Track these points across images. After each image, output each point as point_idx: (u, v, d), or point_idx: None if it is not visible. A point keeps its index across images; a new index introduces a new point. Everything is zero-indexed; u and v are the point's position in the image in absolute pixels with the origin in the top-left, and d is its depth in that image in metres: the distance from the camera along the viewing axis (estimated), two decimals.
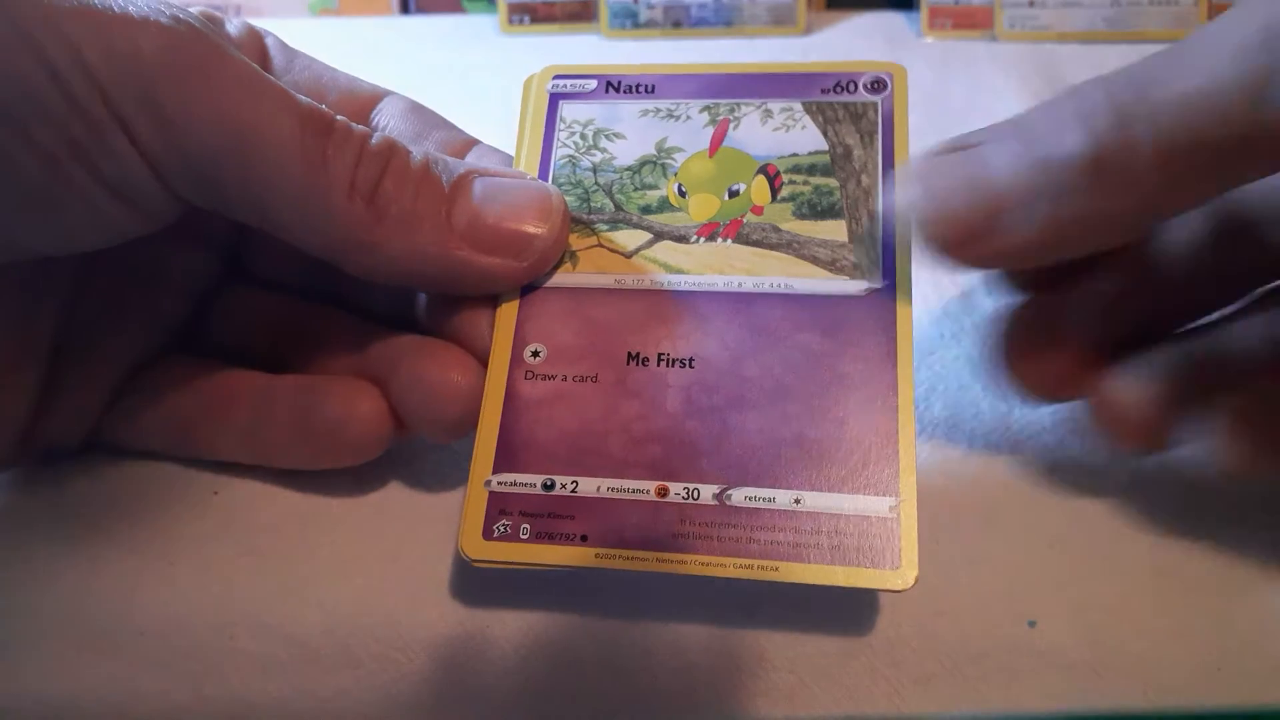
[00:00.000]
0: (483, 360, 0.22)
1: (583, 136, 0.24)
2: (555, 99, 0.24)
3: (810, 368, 0.20)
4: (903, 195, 0.20)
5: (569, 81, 0.25)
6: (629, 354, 0.21)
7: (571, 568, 0.20)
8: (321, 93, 0.24)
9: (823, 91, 0.23)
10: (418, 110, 0.24)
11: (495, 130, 0.25)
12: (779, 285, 0.21)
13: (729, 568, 0.19)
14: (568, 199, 0.23)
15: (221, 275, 0.25)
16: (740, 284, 0.22)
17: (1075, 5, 0.46)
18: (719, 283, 0.22)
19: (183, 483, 0.23)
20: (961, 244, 0.19)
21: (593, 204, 0.23)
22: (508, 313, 0.22)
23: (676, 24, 0.48)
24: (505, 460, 0.21)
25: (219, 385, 0.23)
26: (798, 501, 0.19)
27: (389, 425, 0.22)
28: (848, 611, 0.21)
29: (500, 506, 0.20)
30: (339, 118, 0.20)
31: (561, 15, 0.49)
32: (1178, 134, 0.16)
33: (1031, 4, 0.46)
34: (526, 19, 0.49)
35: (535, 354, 0.21)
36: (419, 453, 0.24)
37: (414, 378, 0.21)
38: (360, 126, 0.20)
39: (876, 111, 0.23)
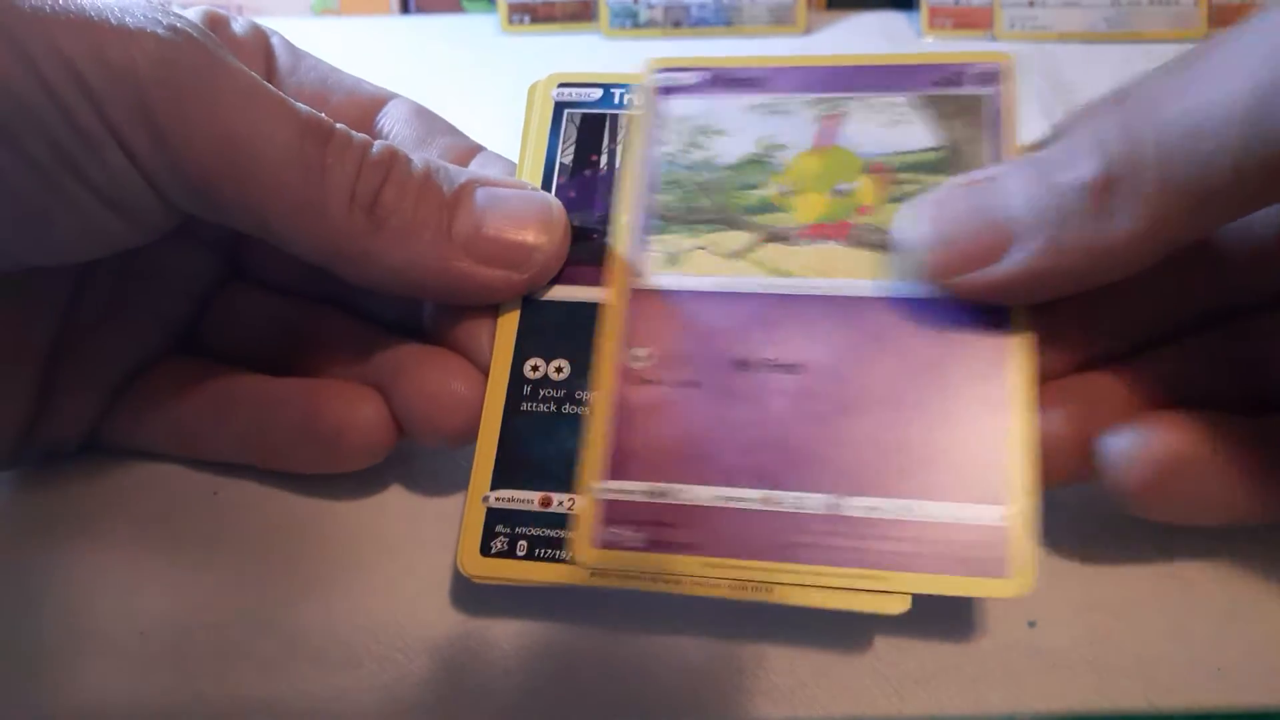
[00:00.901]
0: (485, 370, 0.22)
1: (679, 134, 0.23)
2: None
3: (920, 373, 0.20)
4: (907, 226, 0.20)
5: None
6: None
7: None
8: (327, 95, 0.24)
9: (932, 84, 0.22)
10: (423, 115, 0.24)
11: (495, 130, 0.25)
12: (887, 289, 0.21)
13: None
14: (668, 198, 0.22)
15: (222, 276, 0.25)
16: (847, 288, 0.21)
17: (1075, 5, 0.46)
18: (824, 286, 0.21)
19: (183, 483, 0.23)
20: (965, 272, 0.19)
21: (693, 203, 0.22)
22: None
23: (676, 24, 0.48)
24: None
25: (219, 387, 0.23)
26: (909, 510, 0.19)
27: (390, 432, 0.22)
28: (848, 612, 0.21)
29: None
30: (339, 126, 0.20)
31: (562, 15, 0.49)
32: (1179, 156, 0.16)
33: (1031, 4, 0.46)
34: (527, 19, 0.49)
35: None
36: (419, 453, 0.24)
37: (416, 386, 0.21)
38: (360, 135, 0.20)
39: (989, 105, 0.22)
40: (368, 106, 0.24)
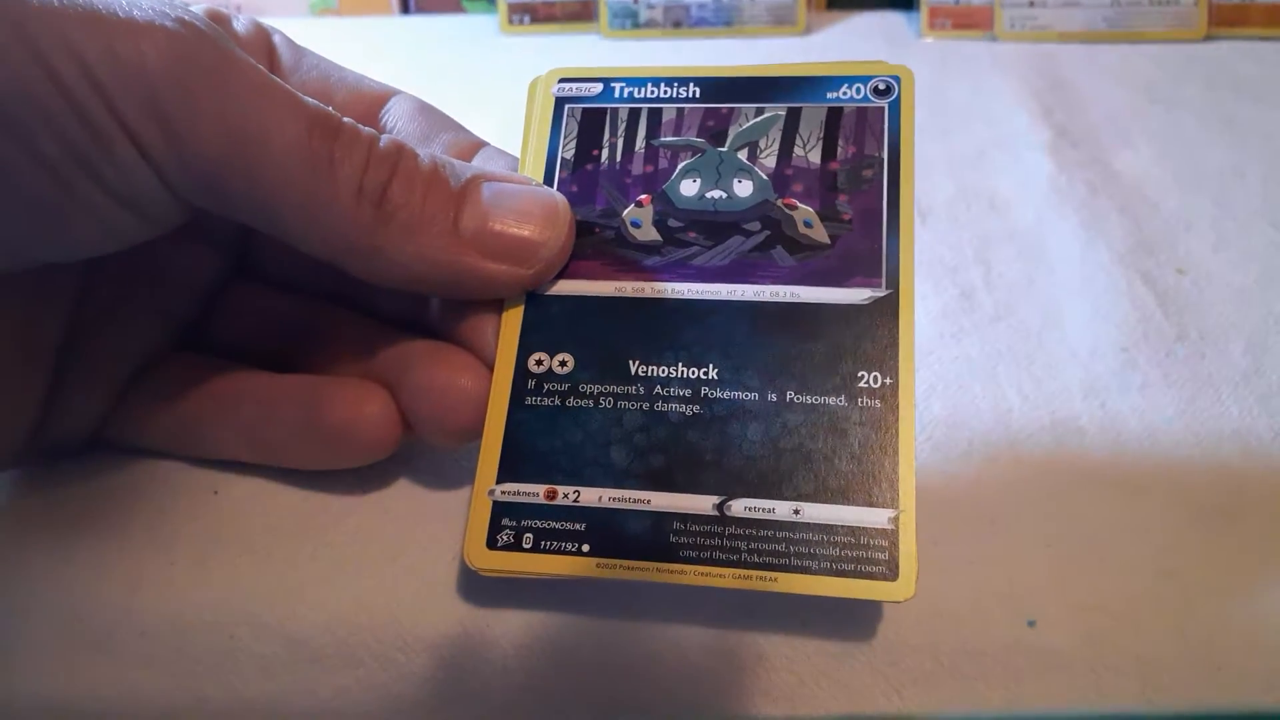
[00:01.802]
0: (491, 366, 0.22)
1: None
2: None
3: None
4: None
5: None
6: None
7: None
8: (329, 91, 0.24)
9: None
10: (426, 111, 0.24)
11: (495, 130, 0.25)
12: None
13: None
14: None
15: (228, 274, 0.25)
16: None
17: (1075, 5, 0.46)
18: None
19: (183, 482, 0.23)
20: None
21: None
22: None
23: (676, 24, 0.48)
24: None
25: (225, 384, 0.23)
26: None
27: (397, 428, 0.22)
28: (848, 612, 0.21)
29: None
30: (346, 120, 0.20)
31: (561, 15, 0.49)
32: None
33: (1031, 4, 0.46)
34: (527, 19, 0.49)
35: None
36: (420, 452, 0.24)
37: (423, 382, 0.21)
38: (368, 129, 0.20)
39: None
40: (371, 103, 0.24)
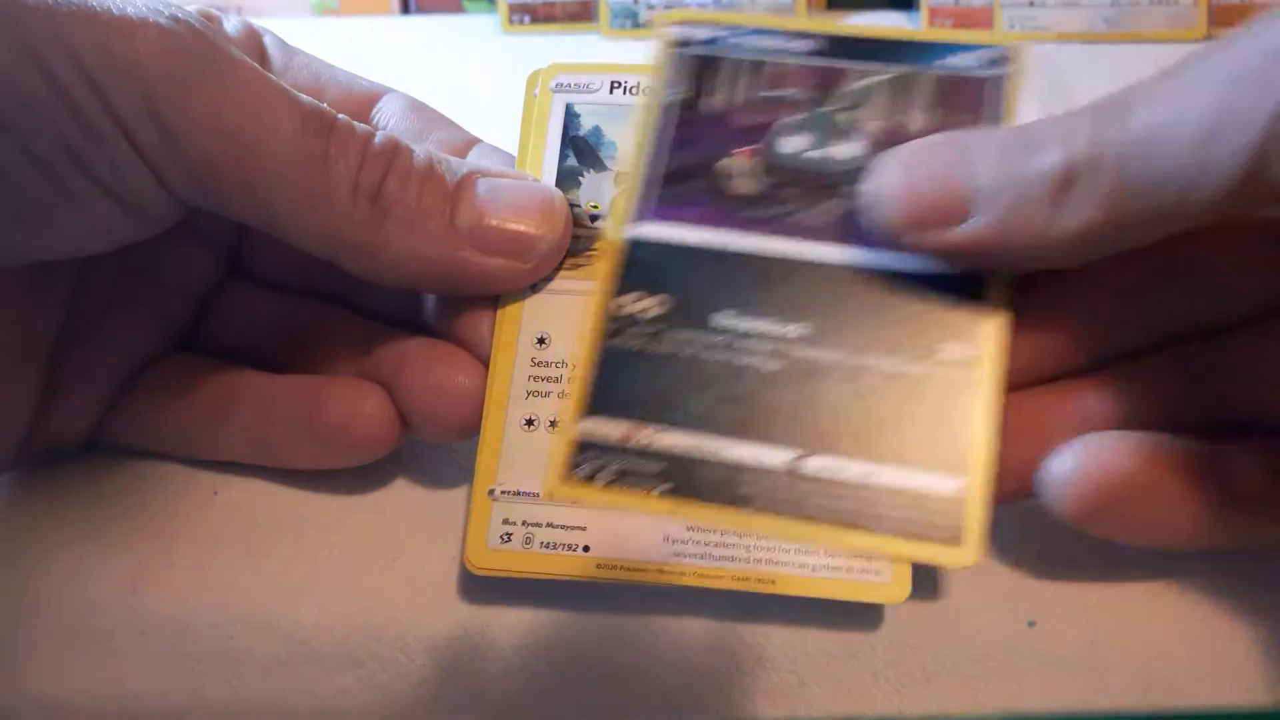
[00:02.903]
0: (487, 363, 0.22)
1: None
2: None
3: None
4: (877, 176, 0.20)
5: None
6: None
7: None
8: (320, 91, 0.23)
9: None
10: (418, 108, 0.24)
11: (495, 131, 0.25)
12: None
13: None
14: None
15: (223, 275, 0.25)
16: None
17: (1075, 5, 0.46)
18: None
19: (183, 483, 0.23)
20: (917, 228, 0.19)
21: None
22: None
23: None
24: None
25: (221, 385, 0.23)
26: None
27: (394, 427, 0.22)
28: (849, 612, 0.21)
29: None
30: (341, 116, 0.20)
31: (562, 15, 0.49)
32: (1135, 166, 0.17)
33: (1031, 4, 0.46)
34: (527, 19, 0.49)
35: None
36: (419, 452, 0.24)
37: (419, 380, 0.21)
38: (363, 126, 0.20)
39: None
40: (363, 101, 0.24)
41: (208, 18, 0.22)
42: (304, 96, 0.19)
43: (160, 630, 0.21)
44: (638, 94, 0.24)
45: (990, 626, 0.21)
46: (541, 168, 0.23)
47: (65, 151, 0.17)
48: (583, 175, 0.23)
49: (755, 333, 0.21)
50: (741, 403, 0.20)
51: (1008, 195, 0.18)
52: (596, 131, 0.24)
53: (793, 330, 0.21)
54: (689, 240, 0.22)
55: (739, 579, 0.19)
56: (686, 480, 0.20)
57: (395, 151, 0.20)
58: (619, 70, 0.24)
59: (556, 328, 0.22)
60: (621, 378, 0.21)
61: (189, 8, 0.19)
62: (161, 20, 0.18)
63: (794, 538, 0.19)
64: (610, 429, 0.20)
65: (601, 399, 0.20)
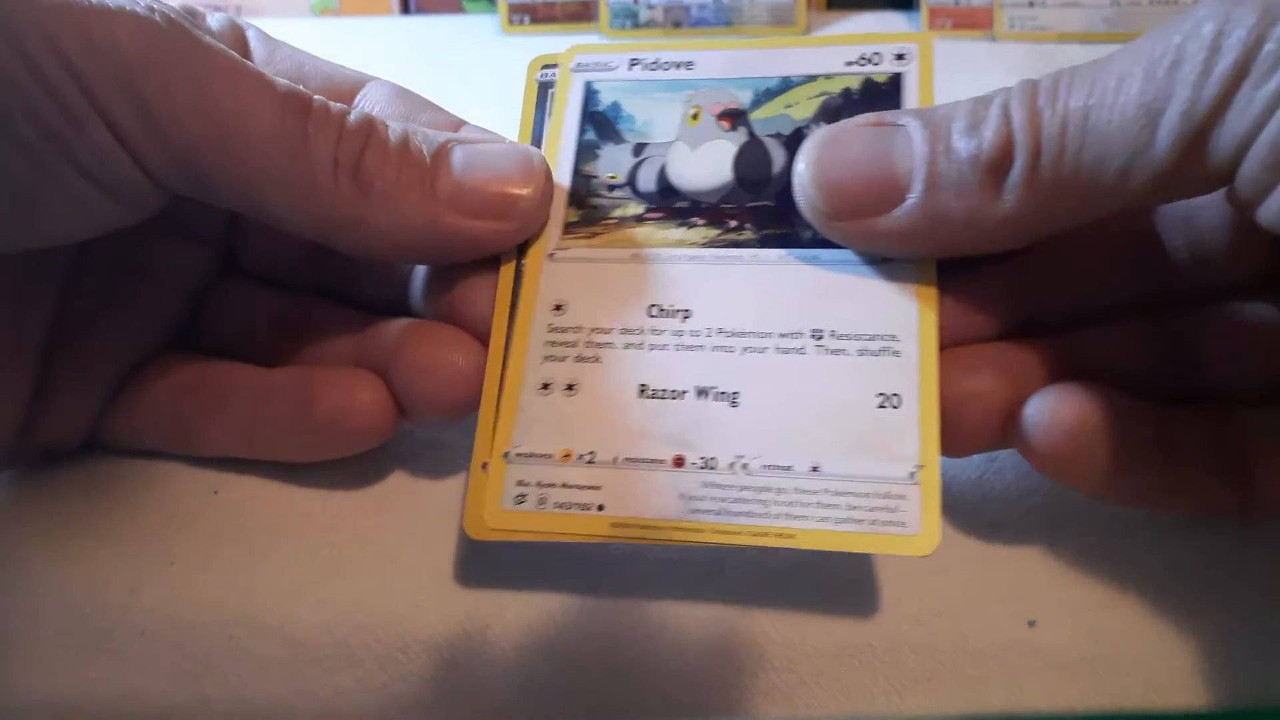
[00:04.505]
0: (482, 339, 0.22)
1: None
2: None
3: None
4: (802, 162, 0.20)
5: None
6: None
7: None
8: (302, 80, 0.24)
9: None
10: (403, 94, 0.24)
11: (495, 130, 0.25)
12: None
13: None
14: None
15: (215, 270, 0.25)
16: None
17: (1075, 5, 0.46)
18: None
19: (182, 482, 0.23)
20: (846, 217, 0.19)
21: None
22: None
23: (676, 24, 0.48)
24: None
25: (217, 380, 0.23)
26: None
27: (390, 413, 0.22)
28: (848, 611, 0.21)
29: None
30: (317, 97, 0.20)
31: (561, 15, 0.49)
32: (1072, 148, 0.17)
33: (1031, 4, 0.46)
34: (526, 19, 0.49)
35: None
36: (417, 451, 0.24)
37: (414, 362, 0.21)
38: (338, 105, 0.20)
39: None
40: (346, 90, 0.24)
41: (190, 12, 0.22)
42: (280, 80, 0.20)
43: (160, 630, 0.21)
44: (656, 69, 0.24)
45: (990, 626, 0.21)
46: (559, 143, 0.24)
47: (47, 135, 0.18)
48: (600, 148, 0.24)
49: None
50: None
51: (938, 181, 0.18)
52: (615, 106, 0.24)
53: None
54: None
55: (757, 534, 0.19)
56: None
57: (370, 128, 0.20)
58: (636, 49, 0.25)
59: (574, 294, 0.22)
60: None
61: (172, 4, 0.20)
62: (139, 9, 0.18)
63: (744, 543, 0.19)
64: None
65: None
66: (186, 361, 0.24)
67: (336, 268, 0.24)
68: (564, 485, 0.20)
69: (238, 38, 0.24)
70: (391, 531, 0.23)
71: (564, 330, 0.22)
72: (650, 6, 0.48)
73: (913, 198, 0.18)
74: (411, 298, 0.24)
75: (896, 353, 0.20)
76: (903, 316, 0.20)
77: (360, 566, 0.22)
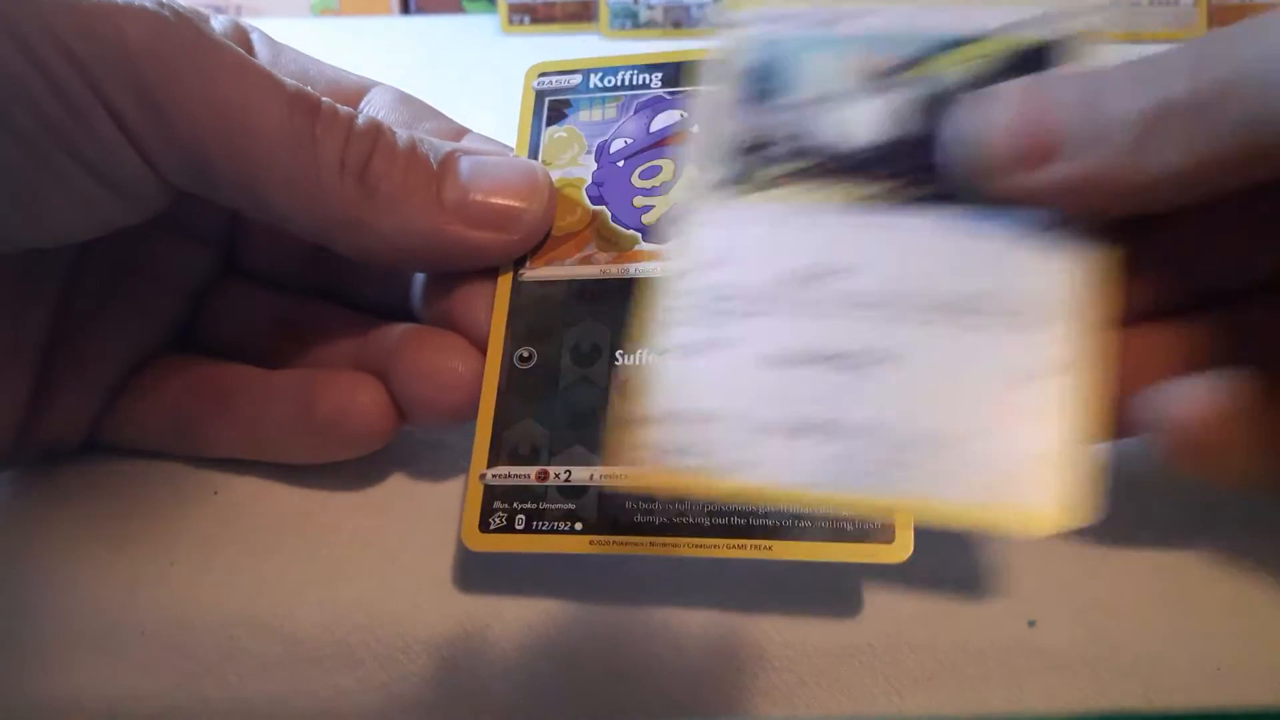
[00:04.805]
0: (481, 347, 0.22)
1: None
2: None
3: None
4: (965, 116, 0.19)
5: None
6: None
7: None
8: (308, 84, 0.24)
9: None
10: (407, 101, 0.24)
11: (495, 131, 0.25)
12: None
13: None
14: None
15: (216, 271, 0.25)
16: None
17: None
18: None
19: (183, 482, 0.23)
20: (1008, 170, 0.18)
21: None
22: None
23: (677, 24, 0.48)
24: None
25: (217, 381, 0.23)
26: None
27: (390, 416, 0.22)
28: (849, 611, 0.21)
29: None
30: (325, 100, 0.20)
31: (561, 15, 0.49)
32: (1245, 98, 0.16)
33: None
34: (526, 19, 0.49)
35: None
36: (418, 452, 0.24)
37: (414, 367, 0.21)
38: (345, 108, 0.20)
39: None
40: (351, 95, 0.24)
41: (193, 13, 0.22)
42: (288, 80, 0.20)
43: (160, 630, 0.21)
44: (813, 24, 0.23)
45: (990, 626, 0.21)
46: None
47: (53, 132, 0.17)
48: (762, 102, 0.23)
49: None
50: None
51: (1096, 136, 0.17)
52: (777, 63, 0.23)
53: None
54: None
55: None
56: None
57: (378, 132, 0.20)
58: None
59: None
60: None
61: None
62: (148, 4, 0.18)
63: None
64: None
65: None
66: (187, 362, 0.24)
67: (338, 269, 0.24)
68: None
69: (241, 39, 0.24)
70: (392, 532, 0.23)
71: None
72: (650, 7, 0.48)
73: (1070, 154, 0.18)
74: (413, 301, 0.24)
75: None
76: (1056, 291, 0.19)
77: (360, 567, 0.22)
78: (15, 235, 0.19)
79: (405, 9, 0.50)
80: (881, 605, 0.21)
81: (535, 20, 0.49)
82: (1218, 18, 0.46)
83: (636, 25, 0.48)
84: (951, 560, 0.22)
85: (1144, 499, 0.23)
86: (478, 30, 0.49)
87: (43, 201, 0.18)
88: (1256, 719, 0.20)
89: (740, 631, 0.21)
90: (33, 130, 0.17)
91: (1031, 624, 0.21)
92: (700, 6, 0.48)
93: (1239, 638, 0.20)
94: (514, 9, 0.49)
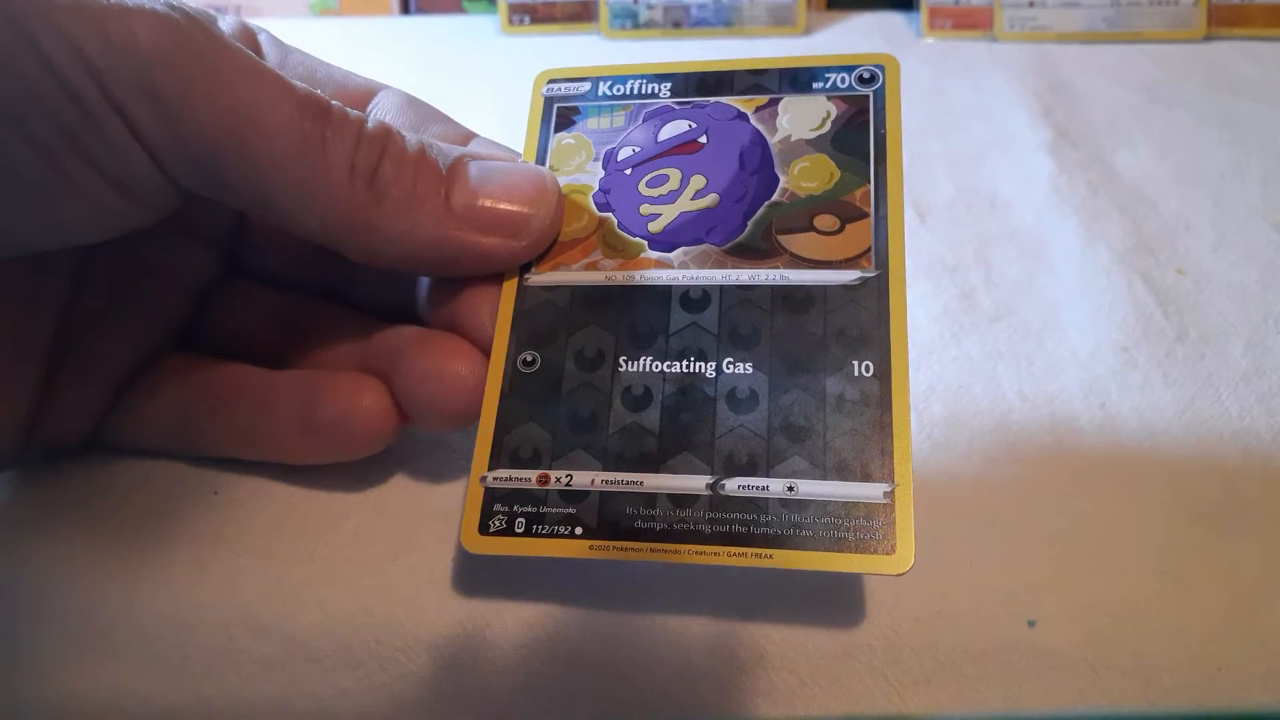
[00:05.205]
0: (485, 350, 0.22)
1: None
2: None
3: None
4: None
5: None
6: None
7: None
8: (315, 86, 0.24)
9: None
10: (414, 104, 0.24)
11: (495, 131, 0.25)
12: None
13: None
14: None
15: (220, 272, 0.25)
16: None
17: (1075, 5, 0.46)
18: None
19: (183, 482, 0.23)
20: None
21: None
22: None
23: (676, 24, 0.48)
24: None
25: (220, 382, 0.23)
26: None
27: (393, 419, 0.22)
28: (848, 612, 0.21)
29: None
30: (334, 103, 0.20)
31: (562, 15, 0.49)
32: None
33: (1031, 4, 0.46)
34: (527, 19, 0.49)
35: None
36: (418, 452, 0.24)
37: (417, 370, 0.21)
38: (355, 111, 0.20)
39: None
40: (359, 97, 0.24)
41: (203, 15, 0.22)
42: (298, 83, 0.20)
43: (160, 630, 0.21)
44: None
45: (990, 626, 0.21)
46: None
47: (64, 135, 0.17)
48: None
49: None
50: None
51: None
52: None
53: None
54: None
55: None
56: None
57: (388, 136, 0.20)
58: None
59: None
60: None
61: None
62: (159, 7, 0.18)
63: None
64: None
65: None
66: (190, 362, 0.24)
67: (342, 270, 0.24)
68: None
69: (250, 40, 0.24)
70: (392, 532, 0.23)
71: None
72: (650, 6, 0.48)
73: None
74: (418, 303, 0.24)
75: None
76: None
77: (360, 567, 0.22)
78: (26, 238, 0.19)
79: (405, 9, 0.50)
80: (881, 606, 0.21)
81: (535, 20, 0.49)
82: (1217, 17, 0.46)
83: (637, 25, 0.48)
84: (951, 561, 0.22)
85: (1145, 499, 0.23)
86: (478, 30, 0.49)
87: (54, 205, 0.18)
88: (1256, 719, 0.20)
89: (740, 632, 0.21)
90: (44, 133, 0.17)
91: (1031, 624, 0.21)
92: (701, 7, 0.48)
93: (1239, 638, 0.20)
94: (514, 9, 0.49)
